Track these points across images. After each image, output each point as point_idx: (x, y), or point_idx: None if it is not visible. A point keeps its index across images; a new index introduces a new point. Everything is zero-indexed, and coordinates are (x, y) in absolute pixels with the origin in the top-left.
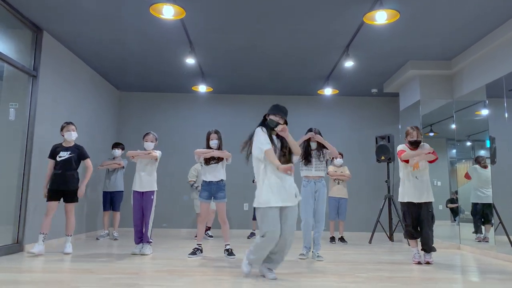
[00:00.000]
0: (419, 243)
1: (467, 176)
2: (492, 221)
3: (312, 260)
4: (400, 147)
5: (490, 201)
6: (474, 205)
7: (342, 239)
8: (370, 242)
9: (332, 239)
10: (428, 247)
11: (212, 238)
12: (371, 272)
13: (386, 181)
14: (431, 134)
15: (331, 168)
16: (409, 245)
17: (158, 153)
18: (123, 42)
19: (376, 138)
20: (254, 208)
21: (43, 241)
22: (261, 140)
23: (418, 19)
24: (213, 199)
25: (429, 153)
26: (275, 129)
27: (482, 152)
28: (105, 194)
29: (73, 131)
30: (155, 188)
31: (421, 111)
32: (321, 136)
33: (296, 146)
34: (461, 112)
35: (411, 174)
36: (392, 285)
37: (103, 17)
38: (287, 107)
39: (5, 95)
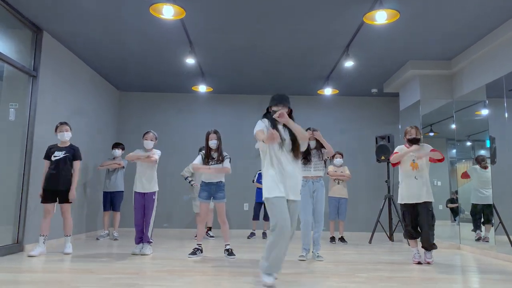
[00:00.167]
0: (419, 243)
1: (465, 176)
2: (493, 221)
3: (312, 260)
4: (396, 149)
5: (490, 202)
6: (474, 205)
7: (342, 239)
8: (370, 242)
9: (332, 239)
10: (428, 245)
11: (213, 238)
12: (371, 272)
13: (386, 181)
14: (431, 134)
15: (331, 168)
16: (409, 245)
17: (157, 155)
18: (123, 42)
19: (376, 138)
20: (255, 208)
21: (43, 243)
22: (255, 127)
23: (418, 19)
24: (213, 199)
25: (432, 151)
26: (274, 117)
27: (482, 152)
28: (105, 194)
29: (66, 131)
30: (156, 188)
31: (421, 111)
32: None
33: (300, 131)
34: (461, 112)
35: (410, 174)
36: (392, 285)
37: (103, 17)
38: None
39: (5, 95)
